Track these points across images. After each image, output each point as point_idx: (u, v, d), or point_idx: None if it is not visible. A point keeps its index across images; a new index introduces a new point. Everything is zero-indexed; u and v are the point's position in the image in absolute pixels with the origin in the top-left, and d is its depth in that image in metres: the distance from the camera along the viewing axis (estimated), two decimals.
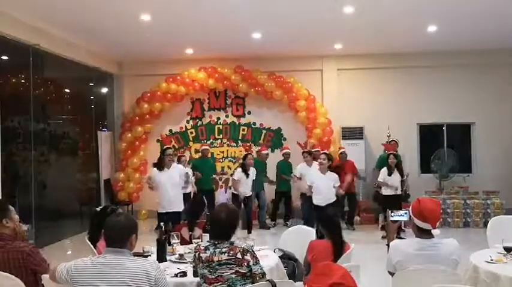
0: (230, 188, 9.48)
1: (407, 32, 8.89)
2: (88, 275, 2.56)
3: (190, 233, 4.64)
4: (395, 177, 8.22)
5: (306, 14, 7.70)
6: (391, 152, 8.63)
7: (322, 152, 7.83)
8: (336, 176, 7.19)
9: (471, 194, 9.64)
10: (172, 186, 6.65)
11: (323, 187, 7.01)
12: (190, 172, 8.93)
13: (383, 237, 8.19)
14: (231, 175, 9.57)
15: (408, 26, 8.51)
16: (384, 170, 8.33)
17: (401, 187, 8.25)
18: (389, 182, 8.18)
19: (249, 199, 8.77)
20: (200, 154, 10.05)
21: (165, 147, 7.12)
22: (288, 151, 9.98)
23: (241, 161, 9.31)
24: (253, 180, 8.78)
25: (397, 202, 8.03)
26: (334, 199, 7.08)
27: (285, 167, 9.85)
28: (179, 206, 6.76)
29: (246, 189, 8.67)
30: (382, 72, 10.89)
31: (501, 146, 10.52)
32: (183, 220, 6.55)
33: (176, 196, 6.72)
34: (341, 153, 9.53)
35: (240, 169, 8.75)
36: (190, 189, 8.82)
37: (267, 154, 10.04)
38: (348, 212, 9.42)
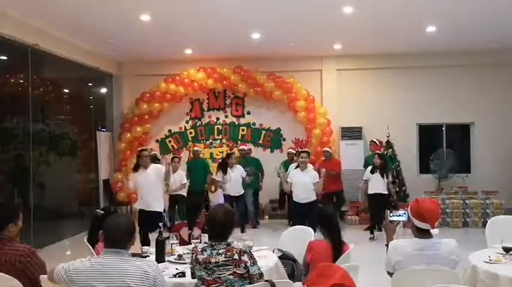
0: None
1: (406, 32, 8.89)
2: (86, 275, 2.56)
3: (190, 231, 4.64)
4: (378, 176, 8.08)
5: (306, 15, 7.70)
6: (377, 151, 8.66)
7: (302, 150, 7.83)
8: (315, 173, 7.16)
9: (470, 194, 9.64)
10: (148, 187, 6.47)
11: (300, 183, 7.01)
12: (184, 174, 8.93)
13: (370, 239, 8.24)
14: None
15: (408, 26, 8.51)
16: (368, 168, 8.31)
17: (387, 188, 8.10)
18: (371, 180, 8.14)
19: (238, 198, 8.72)
20: (192, 155, 9.97)
21: (140, 148, 6.96)
22: (291, 150, 9.87)
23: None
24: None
25: (382, 201, 7.90)
26: (313, 197, 7.03)
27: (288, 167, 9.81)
28: (158, 207, 6.60)
29: (232, 188, 8.66)
30: (382, 72, 10.88)
31: (500, 146, 10.52)
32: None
33: (154, 197, 6.53)
34: (324, 151, 9.54)
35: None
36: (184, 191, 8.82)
37: (250, 149, 10.00)
38: (335, 207, 9.30)
